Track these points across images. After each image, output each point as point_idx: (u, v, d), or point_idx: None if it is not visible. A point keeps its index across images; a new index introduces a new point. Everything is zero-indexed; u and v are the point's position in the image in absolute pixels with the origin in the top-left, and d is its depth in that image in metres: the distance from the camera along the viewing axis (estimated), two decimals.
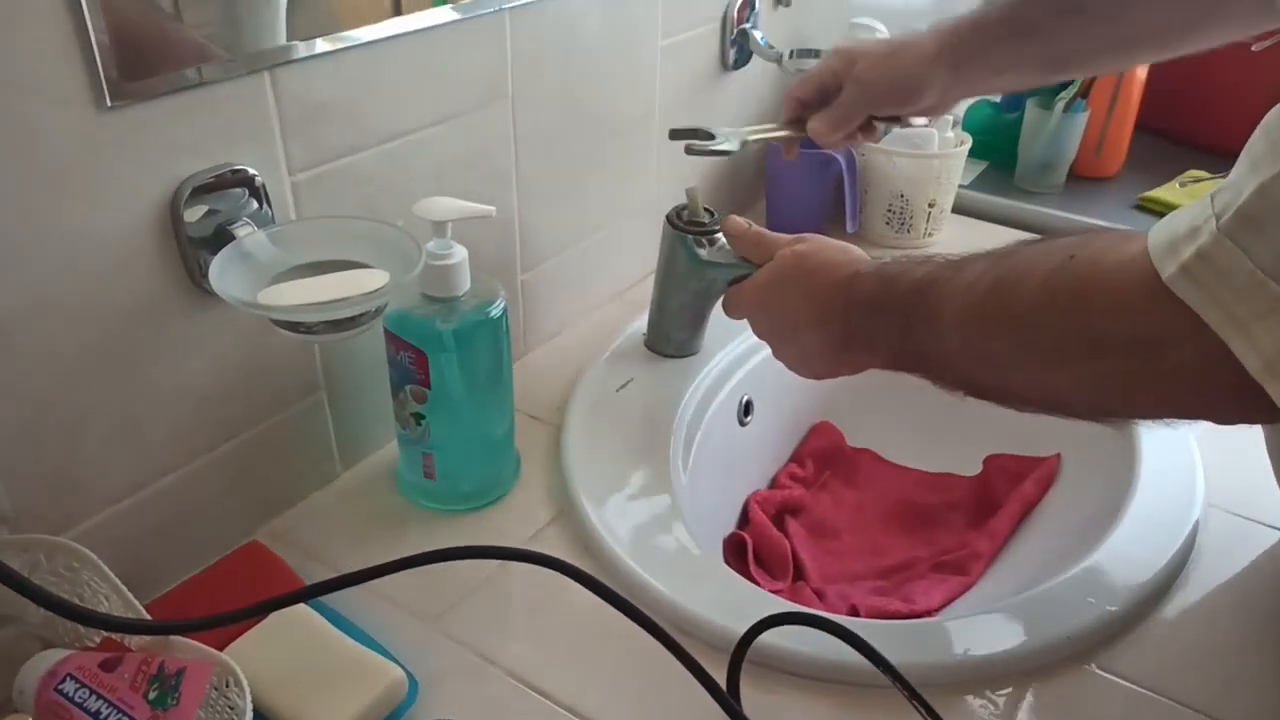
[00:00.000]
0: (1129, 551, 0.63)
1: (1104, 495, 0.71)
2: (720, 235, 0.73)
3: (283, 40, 0.56)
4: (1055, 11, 0.68)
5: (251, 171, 0.55)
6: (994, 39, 0.70)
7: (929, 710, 0.49)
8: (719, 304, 0.72)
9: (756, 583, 0.73)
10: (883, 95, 0.73)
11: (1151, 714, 0.53)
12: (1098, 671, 0.56)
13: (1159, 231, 0.42)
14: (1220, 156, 1.18)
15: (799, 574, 0.78)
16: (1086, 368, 0.46)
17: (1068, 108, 1.09)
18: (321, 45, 0.57)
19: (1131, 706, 0.54)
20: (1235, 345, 0.37)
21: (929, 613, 0.71)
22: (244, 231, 0.54)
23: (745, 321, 0.70)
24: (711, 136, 0.74)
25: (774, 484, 0.86)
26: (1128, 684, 0.55)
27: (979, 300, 0.50)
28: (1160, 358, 0.41)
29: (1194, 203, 0.40)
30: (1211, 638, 0.59)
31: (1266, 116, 0.38)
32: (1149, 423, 0.48)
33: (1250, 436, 0.65)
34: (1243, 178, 0.38)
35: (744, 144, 0.75)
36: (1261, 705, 0.54)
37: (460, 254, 0.60)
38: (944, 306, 0.52)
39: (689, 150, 0.74)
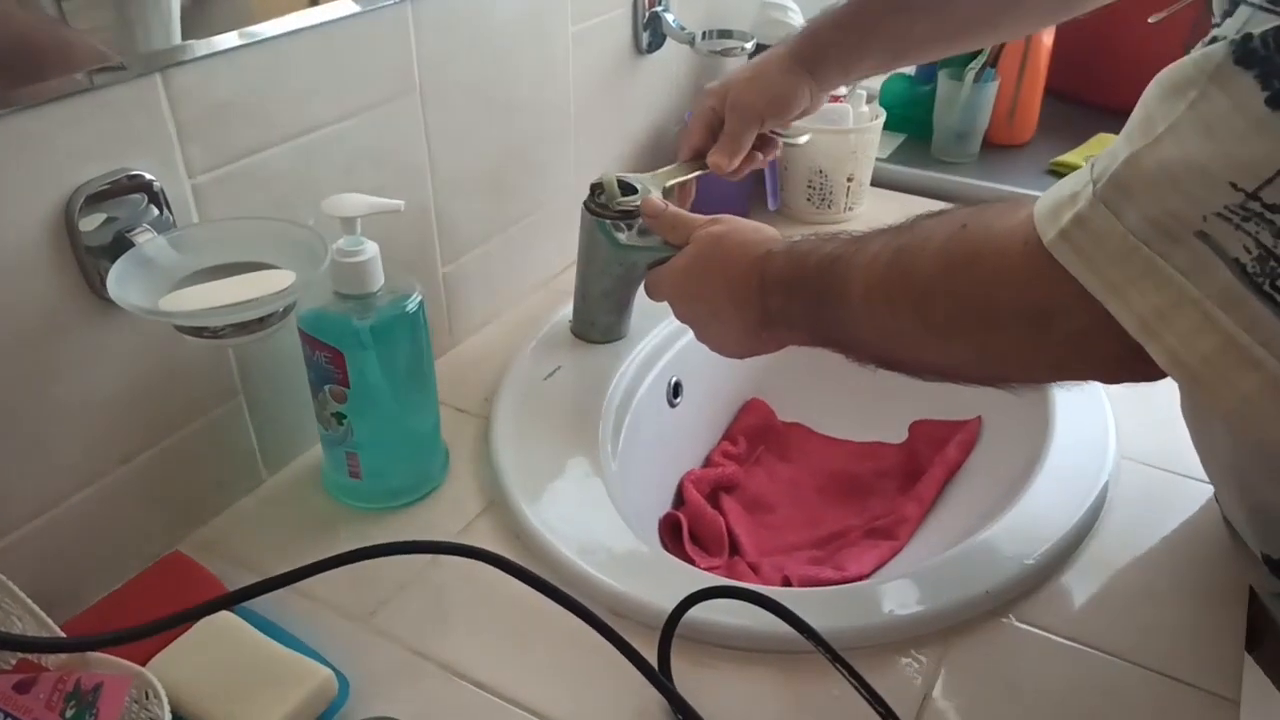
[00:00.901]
0: (1044, 507, 0.65)
1: (1022, 454, 0.73)
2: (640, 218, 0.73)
3: (177, 40, 0.55)
4: (887, 10, 0.74)
5: (149, 176, 0.54)
6: (838, 42, 0.76)
7: (852, 672, 0.50)
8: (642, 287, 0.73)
9: (693, 561, 0.74)
10: (763, 111, 0.76)
11: (1069, 661, 0.55)
12: (1016, 624, 0.57)
13: (1044, 199, 0.43)
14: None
15: (735, 550, 0.79)
16: (982, 338, 0.47)
17: (978, 77, 1.11)
18: (219, 43, 0.56)
19: (1049, 655, 0.56)
20: (1113, 308, 0.39)
21: (860, 578, 0.73)
22: (144, 238, 0.53)
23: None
24: (633, 190, 0.75)
25: (707, 463, 0.87)
26: (1045, 634, 0.57)
27: (880, 274, 0.51)
28: (1050, 327, 0.43)
29: (1077, 170, 0.41)
30: (1126, 585, 0.61)
31: (1146, 89, 0.39)
32: (1047, 385, 0.50)
33: (1160, 389, 0.67)
34: (1119, 146, 0.39)
35: (665, 190, 0.76)
36: (1174, 649, 0.56)
37: (371, 250, 0.60)
38: (849, 282, 0.53)
39: (605, 208, 0.74)
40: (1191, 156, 0.36)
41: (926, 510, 0.79)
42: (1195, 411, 0.60)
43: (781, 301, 0.59)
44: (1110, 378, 0.46)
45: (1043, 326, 0.43)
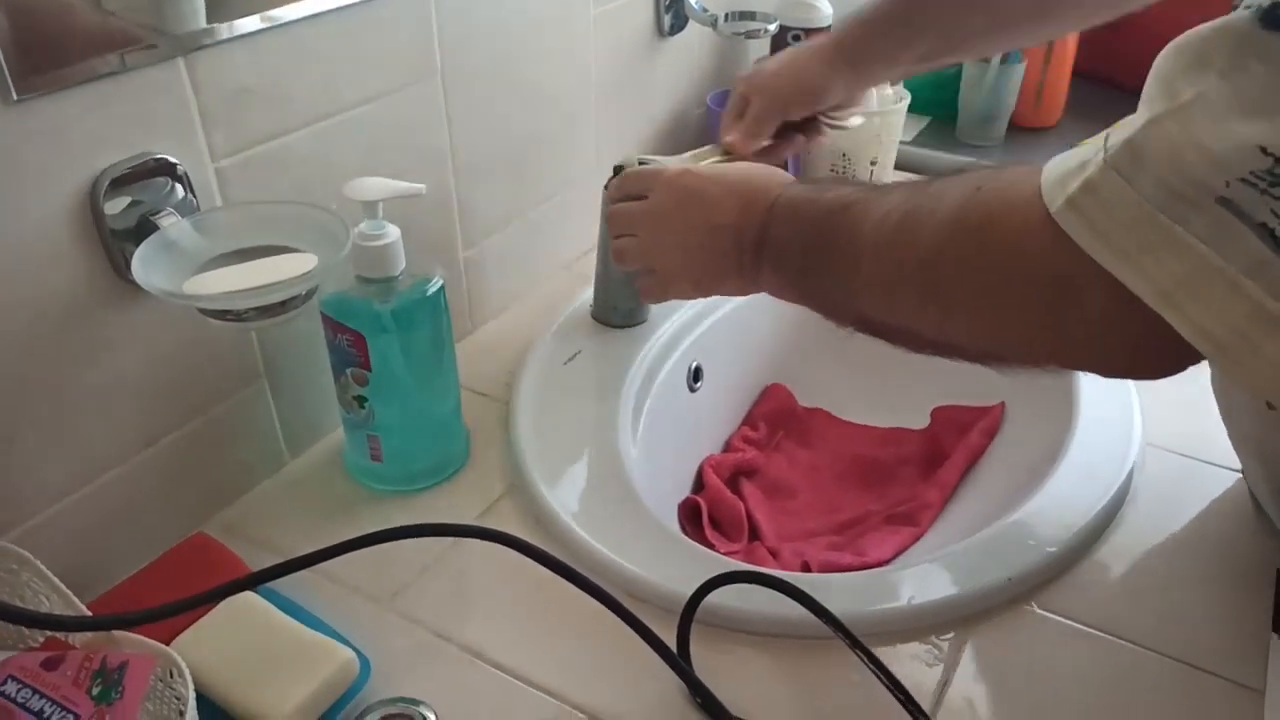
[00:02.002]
0: (1068, 494, 0.64)
1: (1045, 441, 0.72)
2: None
3: (203, 23, 0.55)
4: (935, 3, 0.72)
5: (173, 160, 0.54)
6: (885, 33, 0.73)
7: (871, 658, 0.50)
8: None
9: (712, 546, 0.74)
10: (788, 99, 0.74)
11: (1091, 649, 0.55)
12: (1038, 611, 0.57)
13: (1051, 167, 0.41)
14: None
15: (755, 535, 0.79)
16: (988, 311, 0.45)
17: (1004, 60, 1.09)
18: (241, 27, 0.56)
19: (1071, 642, 0.55)
20: (1128, 279, 0.37)
21: (880, 564, 0.72)
22: (168, 222, 0.53)
23: None
24: None
25: (727, 448, 0.87)
26: (1067, 621, 0.56)
27: (889, 235, 0.49)
28: (1066, 302, 0.41)
29: (1089, 141, 0.40)
30: (1150, 573, 0.60)
31: (1158, 60, 0.38)
32: (1041, 369, 0.48)
33: (1189, 374, 0.66)
34: (1137, 116, 0.38)
35: None
36: (1199, 636, 0.55)
37: (393, 234, 0.60)
38: (858, 235, 0.51)
39: None
40: (1219, 121, 0.35)
41: (948, 496, 0.78)
42: (1224, 385, 0.59)
43: (783, 230, 0.56)
44: (1118, 366, 0.44)
45: (1058, 302, 0.42)
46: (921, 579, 0.58)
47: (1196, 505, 0.65)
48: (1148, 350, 0.38)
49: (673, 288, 0.64)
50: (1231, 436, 0.62)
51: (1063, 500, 0.64)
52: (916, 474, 0.83)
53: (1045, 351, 0.46)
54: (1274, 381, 0.36)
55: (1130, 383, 0.73)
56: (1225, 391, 0.59)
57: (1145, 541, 0.62)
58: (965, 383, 0.86)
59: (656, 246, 0.64)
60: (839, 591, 0.55)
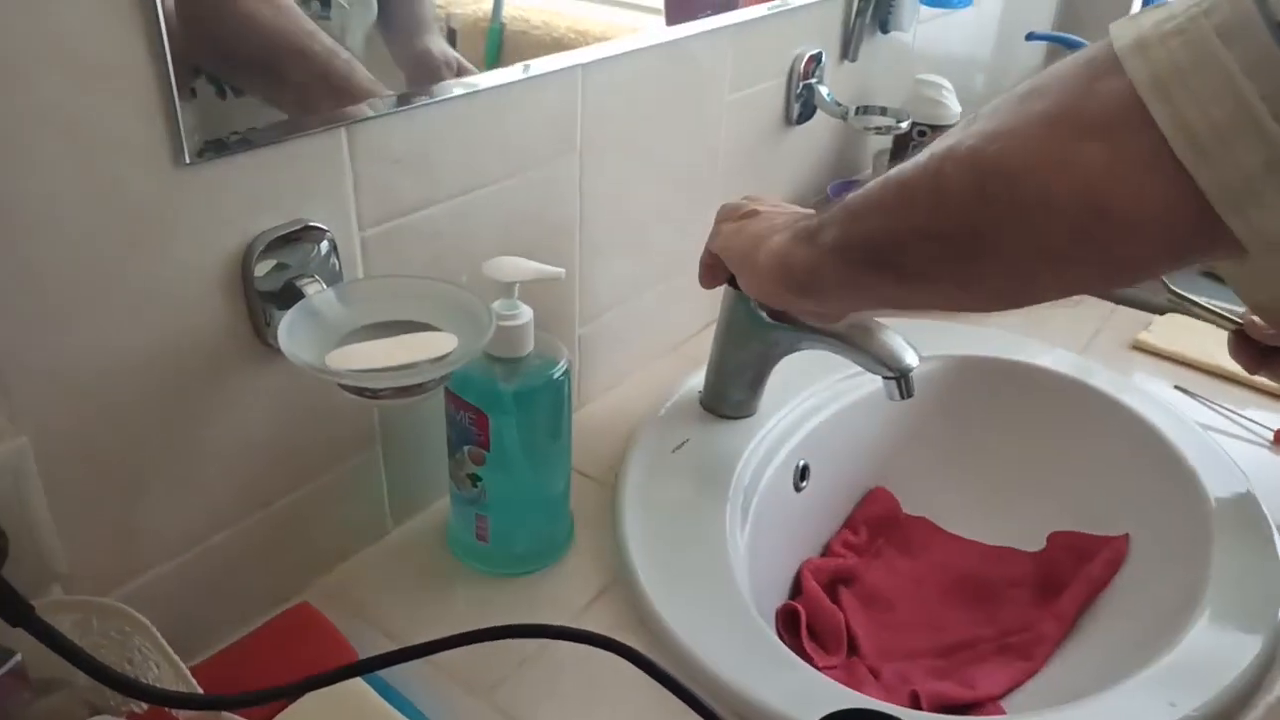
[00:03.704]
0: (1207, 649, 0.60)
1: (1176, 582, 0.68)
2: None
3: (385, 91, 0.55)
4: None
5: (323, 227, 0.54)
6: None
7: None
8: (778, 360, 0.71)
9: (809, 658, 0.71)
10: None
11: None
12: None
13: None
14: None
15: (853, 648, 0.75)
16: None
17: None
18: (397, 101, 0.57)
19: None
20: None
21: (991, 699, 0.68)
22: (313, 289, 0.53)
23: (804, 385, 0.67)
24: None
25: (827, 552, 0.84)
26: None
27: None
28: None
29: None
30: None
31: None
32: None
33: None
34: None
35: None
36: None
37: (526, 314, 0.59)
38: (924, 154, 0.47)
39: None
40: None
41: (1066, 631, 0.74)
42: None
43: (828, 211, 0.54)
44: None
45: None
46: None
47: None
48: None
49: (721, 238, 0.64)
50: None
51: (1202, 656, 0.59)
52: (1029, 600, 0.79)
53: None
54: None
55: (1274, 532, 0.69)
56: None
57: None
58: (1084, 508, 0.82)
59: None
60: None
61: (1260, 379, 0.73)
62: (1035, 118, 0.40)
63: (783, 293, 0.59)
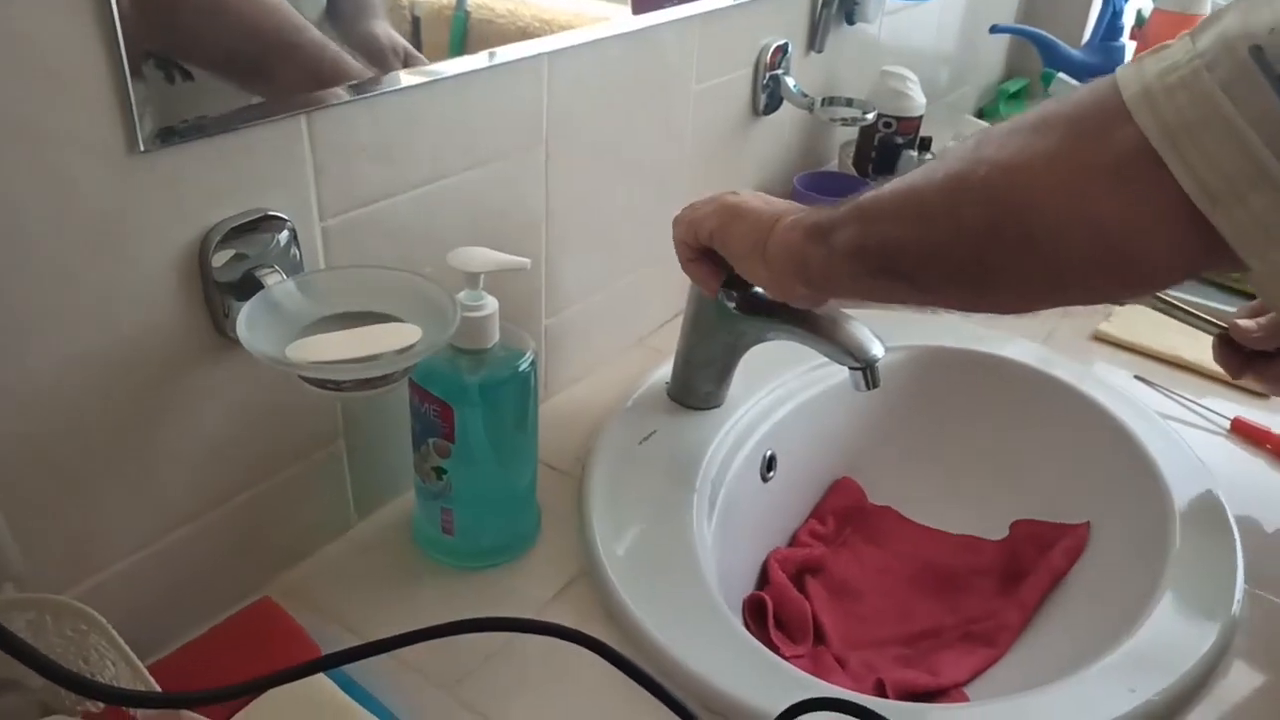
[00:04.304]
0: (1166, 636, 0.61)
1: (1136, 570, 0.69)
2: (755, 289, 0.71)
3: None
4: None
5: (283, 216, 0.53)
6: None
7: None
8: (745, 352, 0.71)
9: (776, 647, 0.71)
10: None
11: None
12: None
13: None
14: None
15: (819, 637, 0.75)
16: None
17: None
18: (359, 89, 0.56)
19: None
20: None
21: (955, 685, 0.69)
22: (273, 279, 0.52)
23: (771, 375, 0.67)
24: None
25: (794, 541, 0.84)
26: None
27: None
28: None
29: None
30: None
31: None
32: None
33: None
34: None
35: None
36: None
37: (491, 305, 0.59)
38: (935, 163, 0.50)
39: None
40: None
41: (1028, 618, 0.75)
42: None
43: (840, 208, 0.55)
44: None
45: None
46: (1016, 717, 0.55)
47: None
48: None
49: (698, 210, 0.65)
50: None
51: (1162, 642, 0.60)
52: (993, 588, 0.80)
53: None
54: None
55: (1231, 521, 0.70)
56: None
57: (1256, 694, 0.59)
58: (1046, 497, 0.83)
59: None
60: None
61: (1219, 371, 0.74)
62: (1049, 159, 0.42)
63: (796, 286, 0.60)
